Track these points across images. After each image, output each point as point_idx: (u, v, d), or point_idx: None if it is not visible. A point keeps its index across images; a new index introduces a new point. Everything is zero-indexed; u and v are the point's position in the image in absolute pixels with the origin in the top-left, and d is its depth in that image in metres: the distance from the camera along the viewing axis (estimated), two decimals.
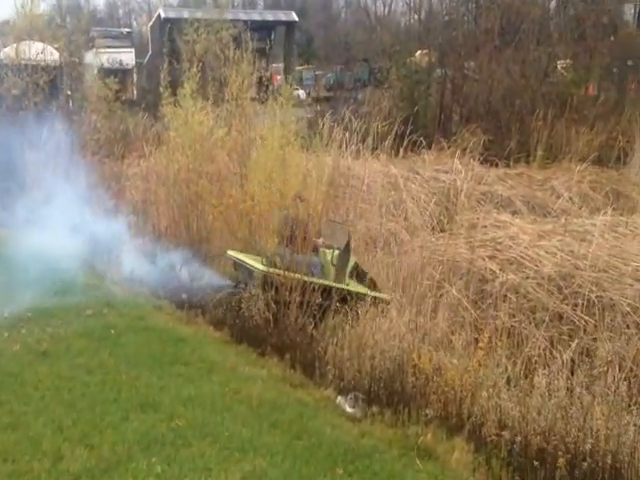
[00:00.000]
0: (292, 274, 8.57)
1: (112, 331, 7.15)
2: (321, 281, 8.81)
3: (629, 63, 23.49)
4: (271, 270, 8.70)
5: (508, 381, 6.65)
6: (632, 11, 40.98)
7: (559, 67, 22.53)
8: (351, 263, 9.43)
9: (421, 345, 7.23)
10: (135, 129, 18.15)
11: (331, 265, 9.24)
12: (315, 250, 9.39)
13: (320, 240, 9.55)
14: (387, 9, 59.12)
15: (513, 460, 5.34)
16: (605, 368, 6.13)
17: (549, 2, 27.60)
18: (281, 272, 8.49)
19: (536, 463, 5.11)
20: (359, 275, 9.39)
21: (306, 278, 8.53)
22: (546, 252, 9.18)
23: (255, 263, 8.72)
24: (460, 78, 21.45)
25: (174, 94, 11.66)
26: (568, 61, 22.39)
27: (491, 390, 6.11)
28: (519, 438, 5.33)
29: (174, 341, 7.10)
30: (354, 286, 8.96)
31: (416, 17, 40.32)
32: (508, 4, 21.58)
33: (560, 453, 4.98)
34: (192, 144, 10.79)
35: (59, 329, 7.10)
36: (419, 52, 25.44)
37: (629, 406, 5.63)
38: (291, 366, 7.02)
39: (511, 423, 5.64)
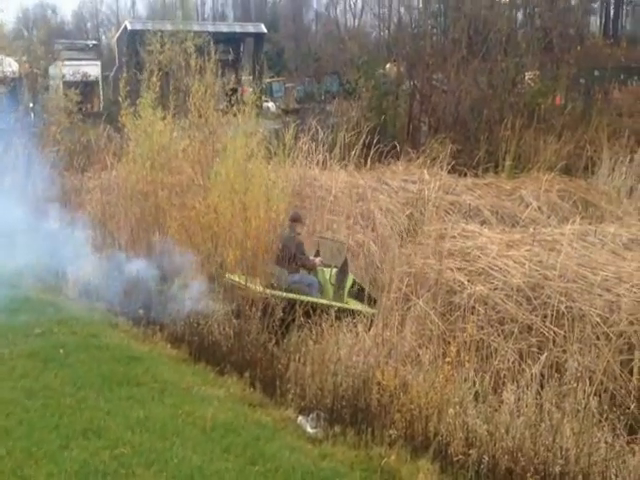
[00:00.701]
0: (252, 286, 8.35)
1: (61, 351, 6.76)
2: (285, 294, 8.59)
3: (595, 73, 23.68)
4: (230, 278, 8.50)
5: (476, 397, 6.42)
6: (597, 22, 41.63)
7: (527, 78, 22.59)
8: (349, 281, 9.25)
9: (387, 360, 6.97)
10: (98, 141, 17.71)
11: (329, 284, 9.08)
12: (313, 269, 9.32)
13: (318, 259, 9.49)
14: (357, 21, 59.43)
15: None
16: (575, 384, 5.91)
17: (516, 12, 27.84)
18: (242, 283, 8.29)
19: None
20: (358, 292, 9.25)
21: (268, 291, 8.30)
22: (514, 262, 9.00)
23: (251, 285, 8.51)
24: (428, 88, 21.38)
25: (135, 104, 11.36)
26: (536, 73, 22.46)
27: (458, 407, 5.85)
28: (486, 458, 5.07)
29: (127, 360, 6.72)
30: (340, 302, 8.82)
31: (385, 30, 40.52)
32: (475, 15, 21.61)
33: (529, 475, 4.73)
34: (151, 154, 10.45)
35: (4, 349, 6.70)
36: (388, 64, 25.41)
37: (600, 422, 5.42)
38: (251, 385, 6.70)
39: (478, 442, 5.38)
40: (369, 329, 8.12)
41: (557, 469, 4.64)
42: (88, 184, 14.50)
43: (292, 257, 9.09)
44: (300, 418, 6.05)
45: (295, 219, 9.65)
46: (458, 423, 5.73)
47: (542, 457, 4.85)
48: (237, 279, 8.83)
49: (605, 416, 5.55)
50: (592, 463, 4.71)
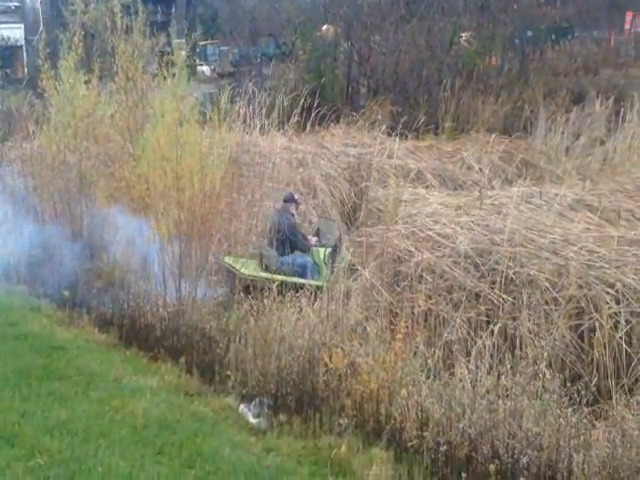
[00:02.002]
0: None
1: None
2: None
3: (529, 34, 23.60)
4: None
5: (428, 373, 6.08)
6: None
7: (462, 40, 22.31)
8: (346, 259, 9.02)
9: (333, 336, 6.54)
10: (19, 108, 16.57)
11: (323, 264, 8.88)
12: (308, 251, 9.21)
13: (314, 239, 9.39)
14: None
15: (438, 470, 4.73)
16: (528, 355, 5.59)
17: None
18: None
19: (464, 475, 4.50)
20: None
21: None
22: (462, 228, 8.67)
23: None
24: (366, 50, 20.84)
25: (57, 67, 10.50)
26: (471, 34, 22.20)
27: (411, 387, 5.47)
28: (444, 447, 4.70)
29: (49, 350, 6.10)
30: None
31: None
32: None
33: (491, 465, 4.38)
34: (74, 121, 9.65)
35: None
36: (325, 26, 24.73)
37: (560, 397, 5.12)
38: (187, 371, 6.18)
39: (434, 424, 5.02)
40: (313, 303, 7.70)
41: (524, 460, 4.30)
42: (9, 154, 13.50)
43: (284, 239, 8.99)
44: (242, 407, 5.58)
45: (287, 200, 9.59)
46: (411, 404, 5.36)
47: (503, 444, 4.52)
48: (231, 262, 8.73)
49: (565, 391, 5.25)
50: (560, 450, 4.39)
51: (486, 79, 20.29)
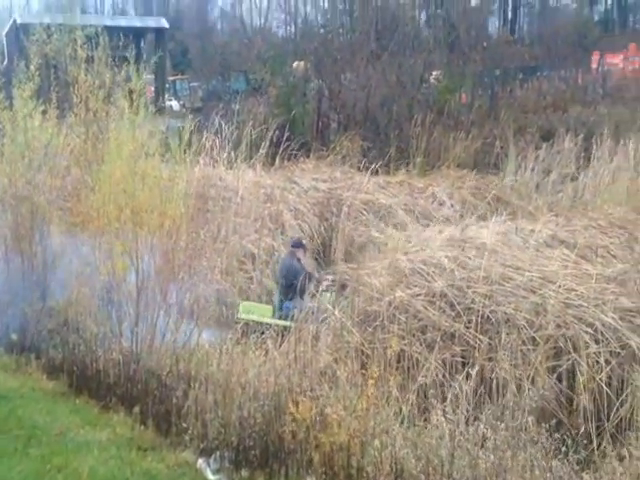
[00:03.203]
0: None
1: None
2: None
3: (497, 73, 23.88)
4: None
5: (402, 420, 5.68)
6: (496, 25, 42.62)
7: (432, 78, 22.43)
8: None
9: (301, 380, 6.09)
10: None
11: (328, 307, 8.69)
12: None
13: (325, 283, 9.44)
14: (263, 20, 58.58)
15: None
16: (514, 415, 5.20)
17: (419, 12, 27.84)
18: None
19: None
20: None
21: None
22: (437, 264, 8.34)
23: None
24: (337, 85, 20.76)
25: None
26: (440, 72, 22.33)
27: (384, 437, 5.04)
28: None
29: None
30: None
31: (292, 24, 39.90)
32: (383, 7, 21.23)
33: None
34: (28, 153, 9.18)
35: None
36: (296, 62, 24.76)
37: (545, 448, 4.73)
38: (141, 422, 5.65)
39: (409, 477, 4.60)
40: (280, 345, 7.29)
41: None
42: None
43: (290, 284, 9.07)
44: (200, 461, 5.08)
45: (295, 245, 9.79)
46: (385, 456, 4.94)
47: None
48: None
49: (549, 438, 4.86)
50: None
51: (457, 115, 20.31)
